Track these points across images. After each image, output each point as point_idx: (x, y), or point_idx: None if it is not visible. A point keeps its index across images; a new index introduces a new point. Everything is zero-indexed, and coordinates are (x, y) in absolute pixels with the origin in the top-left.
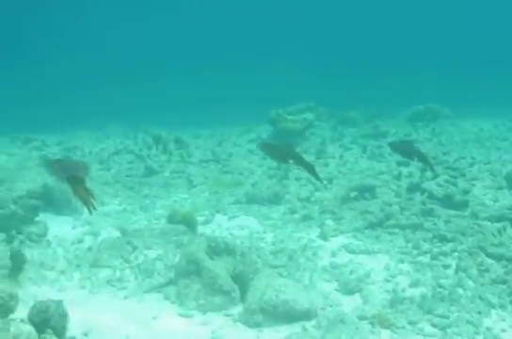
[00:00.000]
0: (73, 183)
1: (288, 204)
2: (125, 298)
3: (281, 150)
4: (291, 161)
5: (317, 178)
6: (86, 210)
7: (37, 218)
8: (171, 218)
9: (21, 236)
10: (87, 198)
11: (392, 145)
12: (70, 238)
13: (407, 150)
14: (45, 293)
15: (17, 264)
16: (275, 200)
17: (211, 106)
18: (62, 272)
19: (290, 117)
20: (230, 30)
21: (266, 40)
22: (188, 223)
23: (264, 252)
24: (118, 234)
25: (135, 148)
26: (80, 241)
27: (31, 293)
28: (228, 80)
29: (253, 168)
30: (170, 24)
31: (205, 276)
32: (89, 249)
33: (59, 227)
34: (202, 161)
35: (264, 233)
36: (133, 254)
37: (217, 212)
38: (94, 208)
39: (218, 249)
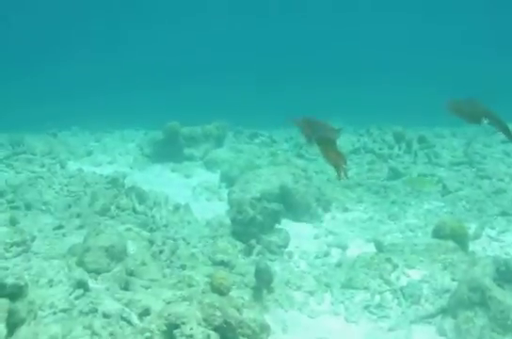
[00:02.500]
0: (324, 144)
1: None
2: (390, 330)
3: (472, 107)
4: (485, 120)
5: None
6: (328, 216)
7: (277, 226)
8: (437, 232)
9: (259, 247)
10: (339, 161)
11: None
12: (313, 250)
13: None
14: (294, 319)
15: (264, 283)
16: None
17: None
18: (311, 293)
19: None
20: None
21: None
22: (458, 238)
23: None
24: (370, 247)
25: (373, 146)
26: (326, 254)
27: (279, 319)
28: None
29: None
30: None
31: (494, 309)
32: (339, 265)
33: (299, 236)
34: (453, 164)
35: None
36: (393, 274)
37: (484, 224)
38: (346, 176)
39: (509, 275)
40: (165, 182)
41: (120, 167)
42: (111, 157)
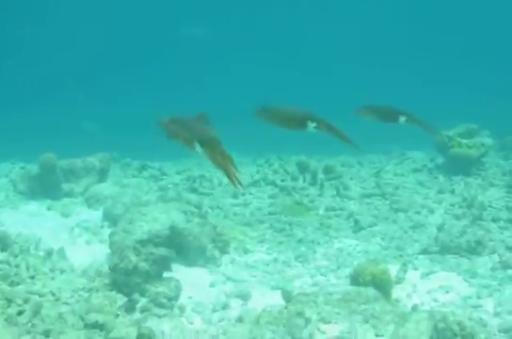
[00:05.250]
0: (209, 145)
1: (495, 256)
2: None
3: (295, 112)
4: (312, 125)
5: (354, 145)
6: (224, 260)
7: (165, 274)
8: (356, 278)
9: (145, 300)
10: (228, 167)
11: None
12: (210, 302)
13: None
14: None
15: None
16: (476, 249)
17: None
18: None
19: (465, 141)
20: None
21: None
22: (380, 285)
23: (492, 330)
24: (277, 296)
25: (275, 178)
26: (225, 307)
27: None
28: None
29: (431, 204)
30: None
31: None
32: (240, 320)
33: (193, 285)
34: (364, 196)
35: (479, 298)
36: (306, 331)
37: (404, 265)
38: (240, 183)
39: (449, 332)
40: (39, 222)
41: None
42: None
